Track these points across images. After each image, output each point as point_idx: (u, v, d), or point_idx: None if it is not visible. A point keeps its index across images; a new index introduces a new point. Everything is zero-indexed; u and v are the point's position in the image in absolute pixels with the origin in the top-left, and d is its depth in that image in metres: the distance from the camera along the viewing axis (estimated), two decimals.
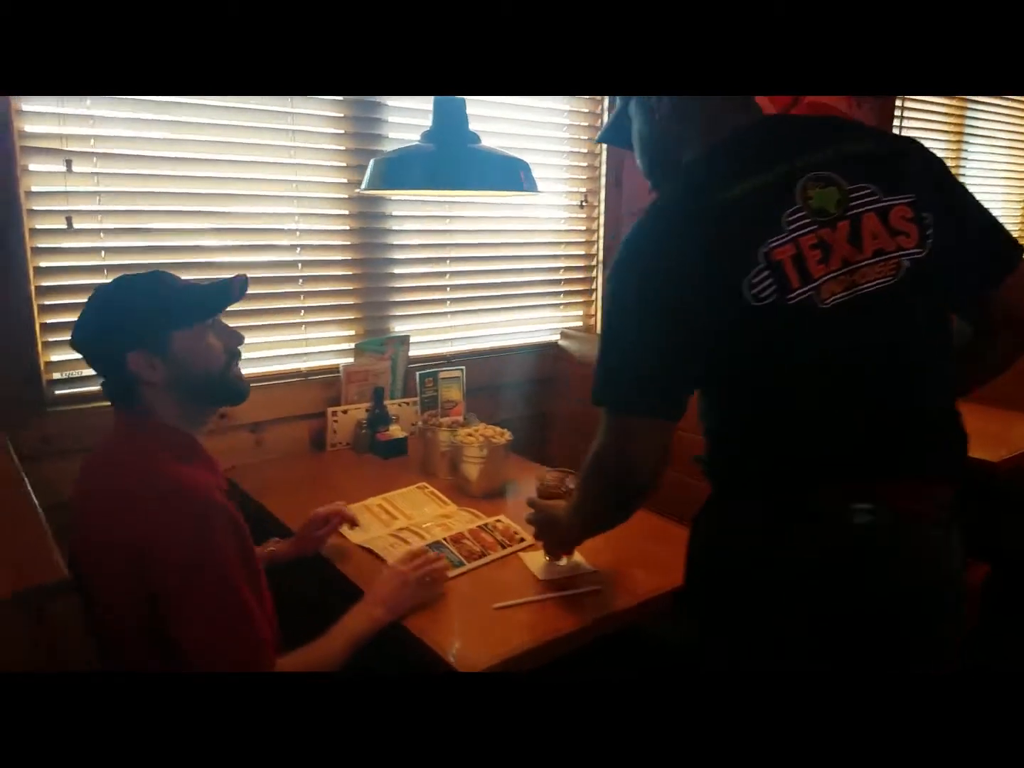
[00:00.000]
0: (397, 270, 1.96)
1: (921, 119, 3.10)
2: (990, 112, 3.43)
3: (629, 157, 2.32)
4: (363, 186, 1.30)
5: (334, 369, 1.87)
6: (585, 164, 2.25)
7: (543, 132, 2.16)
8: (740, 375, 0.88)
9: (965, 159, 3.46)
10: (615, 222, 2.30)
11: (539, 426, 2.25)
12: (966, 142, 3.43)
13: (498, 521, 1.35)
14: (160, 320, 0.97)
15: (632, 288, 0.87)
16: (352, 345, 1.91)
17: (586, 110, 2.22)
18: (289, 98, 1.69)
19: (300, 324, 1.81)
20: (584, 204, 2.25)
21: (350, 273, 1.88)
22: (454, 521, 1.37)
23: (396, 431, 1.84)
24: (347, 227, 1.85)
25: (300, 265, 1.79)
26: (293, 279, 1.78)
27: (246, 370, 1.67)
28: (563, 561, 1.22)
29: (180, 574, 0.87)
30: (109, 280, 1.04)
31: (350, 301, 1.89)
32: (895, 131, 3.02)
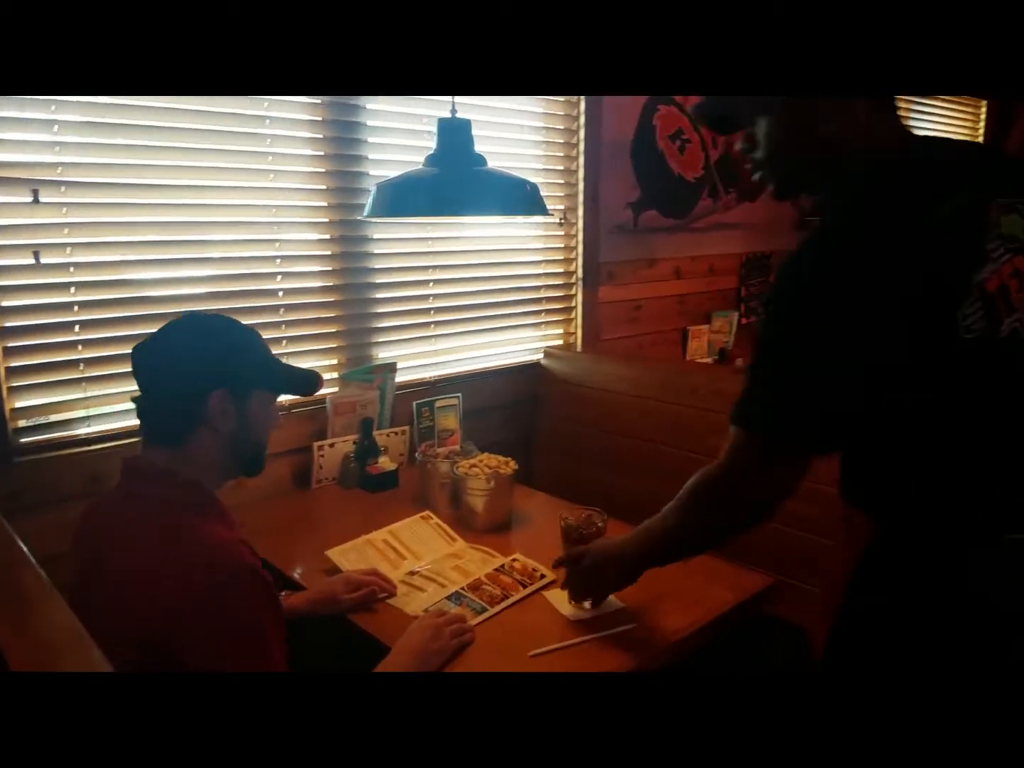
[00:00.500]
0: (380, 294, 1.89)
1: None
2: (931, 115, 3.58)
3: (606, 172, 2.36)
4: (366, 212, 1.23)
5: (318, 401, 1.78)
6: (562, 181, 2.23)
7: (519, 150, 2.13)
8: (940, 410, 0.80)
9: None
10: (594, 239, 2.28)
11: (523, 448, 2.21)
12: None
13: (515, 560, 1.29)
14: (255, 372, 0.97)
15: (817, 310, 0.79)
16: (335, 375, 1.83)
17: (561, 127, 2.19)
18: (266, 118, 1.61)
19: (281, 355, 1.72)
20: (563, 221, 2.22)
21: (332, 299, 1.80)
22: (467, 563, 1.31)
23: (386, 463, 1.77)
24: (328, 252, 1.78)
25: (281, 293, 1.70)
26: (273, 308, 1.70)
27: None
28: (588, 603, 1.17)
29: (215, 649, 0.80)
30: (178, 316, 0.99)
31: (333, 329, 1.81)
32: None
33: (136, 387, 0.96)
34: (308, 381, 1.04)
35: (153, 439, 0.94)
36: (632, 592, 1.21)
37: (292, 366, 1.06)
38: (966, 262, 0.79)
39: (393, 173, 1.82)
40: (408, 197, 1.19)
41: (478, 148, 1.26)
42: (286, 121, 1.65)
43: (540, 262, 2.23)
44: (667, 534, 0.99)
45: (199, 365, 0.92)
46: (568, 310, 2.32)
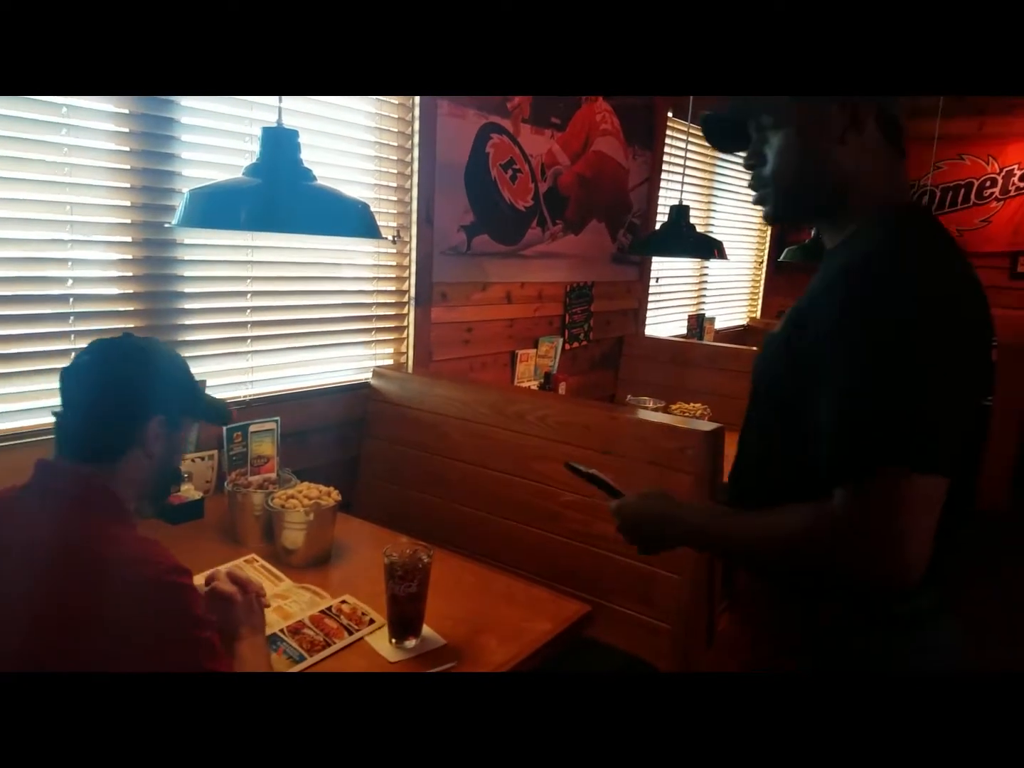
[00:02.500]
0: (189, 304, 1.72)
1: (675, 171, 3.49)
2: (734, 169, 3.98)
3: (440, 194, 2.35)
4: (175, 221, 1.11)
5: None
6: (395, 199, 2.18)
7: (350, 163, 2.06)
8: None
9: (714, 210, 3.96)
10: (427, 259, 2.26)
11: (348, 471, 2.12)
12: (714, 196, 3.94)
13: (343, 602, 1.22)
14: (187, 401, 0.98)
15: (929, 314, 0.73)
16: None
17: (395, 144, 2.15)
18: (63, 107, 1.41)
19: None
20: (397, 239, 2.18)
21: (132, 308, 1.61)
22: (291, 604, 1.21)
23: (190, 491, 1.61)
24: (128, 256, 1.59)
25: (72, 300, 1.49)
26: (62, 316, 1.48)
27: None
28: (411, 643, 1.13)
29: (163, 657, 0.79)
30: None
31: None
32: (661, 180, 3.36)
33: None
34: (224, 413, 1.09)
35: (78, 455, 0.90)
36: (453, 628, 1.19)
37: (210, 396, 1.09)
38: (991, 329, 0.81)
39: (210, 176, 1.70)
40: (226, 208, 1.09)
41: (304, 159, 1.19)
42: (87, 110, 1.46)
43: (372, 279, 2.16)
44: (746, 545, 0.85)
45: (142, 390, 0.92)
46: (400, 329, 2.27)
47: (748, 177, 0.93)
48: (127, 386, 0.91)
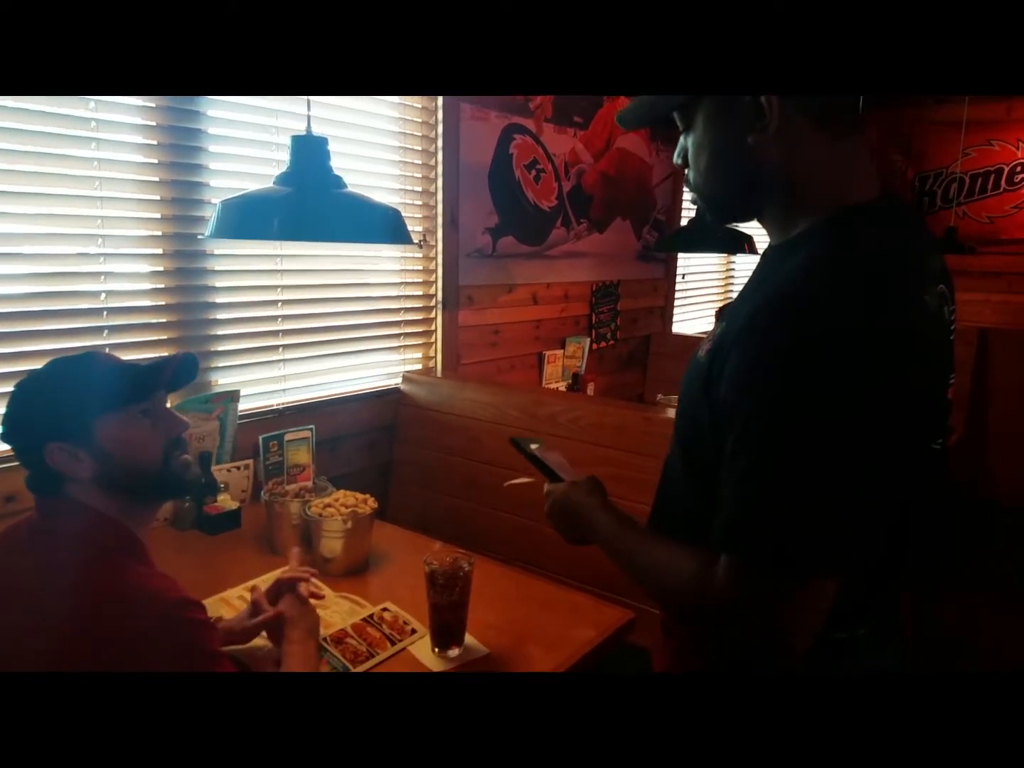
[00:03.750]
0: (221, 315, 1.73)
1: None
2: None
3: (465, 197, 2.34)
4: (208, 232, 1.11)
5: None
6: (420, 203, 2.18)
7: (375, 168, 2.05)
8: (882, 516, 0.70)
9: None
10: (453, 262, 2.25)
11: (380, 477, 2.12)
12: None
13: (384, 611, 1.21)
14: (82, 406, 0.83)
15: (839, 387, 0.61)
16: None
17: (419, 148, 2.15)
18: (91, 121, 1.43)
19: None
20: (423, 243, 2.17)
21: (164, 320, 1.62)
22: (332, 613, 1.20)
23: (227, 501, 1.61)
24: (160, 267, 1.60)
25: (105, 313, 1.50)
26: (96, 330, 1.50)
27: None
28: (454, 652, 1.12)
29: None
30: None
31: (165, 352, 1.63)
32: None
33: None
34: (157, 370, 0.88)
35: (39, 492, 0.86)
36: (496, 637, 1.17)
37: (140, 366, 0.90)
38: (946, 367, 0.73)
39: (237, 185, 1.70)
40: (258, 218, 1.09)
41: (334, 167, 1.19)
42: (118, 124, 1.47)
43: (399, 284, 2.16)
44: (642, 571, 0.81)
45: (22, 424, 0.84)
46: (428, 333, 2.27)
47: None
48: (15, 423, 0.85)
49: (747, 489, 0.65)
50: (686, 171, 0.80)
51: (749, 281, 0.81)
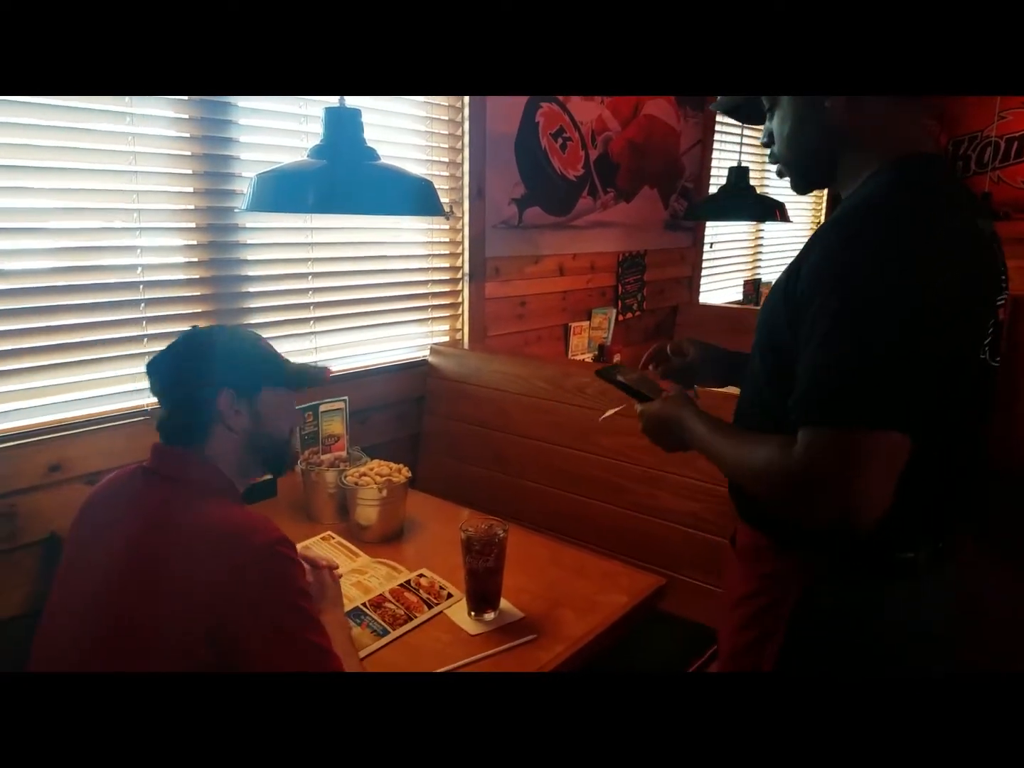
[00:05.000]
0: (253, 288, 1.75)
1: (728, 131, 3.38)
2: None
3: (491, 168, 2.33)
4: (244, 206, 1.12)
5: None
6: (447, 174, 2.17)
7: (402, 139, 2.05)
8: (943, 429, 0.80)
9: (767, 169, 3.84)
10: (480, 234, 2.24)
11: (410, 448, 2.15)
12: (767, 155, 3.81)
13: (421, 576, 1.24)
14: (259, 370, 1.02)
15: (905, 268, 0.73)
16: None
17: (446, 118, 2.13)
18: (126, 98, 1.44)
19: (143, 354, 1.56)
20: (450, 215, 2.17)
21: (199, 293, 1.65)
22: (370, 578, 1.23)
23: None
24: (194, 241, 1.62)
25: (142, 287, 1.53)
26: (134, 303, 1.53)
27: (73, 411, 1.43)
28: (490, 616, 1.15)
29: (269, 623, 0.82)
30: None
31: (200, 324, 1.66)
32: (714, 142, 3.27)
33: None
34: (308, 376, 1.09)
35: (172, 441, 0.98)
36: (529, 602, 1.20)
37: (297, 363, 1.11)
38: (995, 286, 0.81)
39: (268, 159, 1.71)
40: (294, 191, 1.10)
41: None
42: (150, 101, 1.48)
43: (426, 256, 2.17)
44: (736, 462, 0.88)
45: (204, 369, 0.97)
46: (455, 306, 2.28)
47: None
48: (187, 366, 0.98)
49: (819, 359, 0.75)
50: (771, 149, 0.95)
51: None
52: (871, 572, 0.86)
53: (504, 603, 1.17)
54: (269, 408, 1.02)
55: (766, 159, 3.76)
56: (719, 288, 3.62)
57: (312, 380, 1.10)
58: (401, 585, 1.20)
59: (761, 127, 0.99)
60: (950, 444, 0.83)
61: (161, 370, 0.99)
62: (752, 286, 3.71)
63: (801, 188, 0.95)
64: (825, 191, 4.46)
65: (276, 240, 1.79)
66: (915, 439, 0.73)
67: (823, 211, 4.46)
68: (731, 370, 1.14)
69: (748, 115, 1.04)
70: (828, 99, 0.84)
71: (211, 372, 0.98)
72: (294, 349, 1.86)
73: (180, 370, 0.98)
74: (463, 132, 2.16)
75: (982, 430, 0.88)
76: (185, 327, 1.63)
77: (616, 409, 1.20)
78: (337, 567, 1.11)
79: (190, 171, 1.58)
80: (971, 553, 1.01)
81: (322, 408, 1.58)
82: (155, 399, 1.01)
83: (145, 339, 1.55)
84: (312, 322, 1.89)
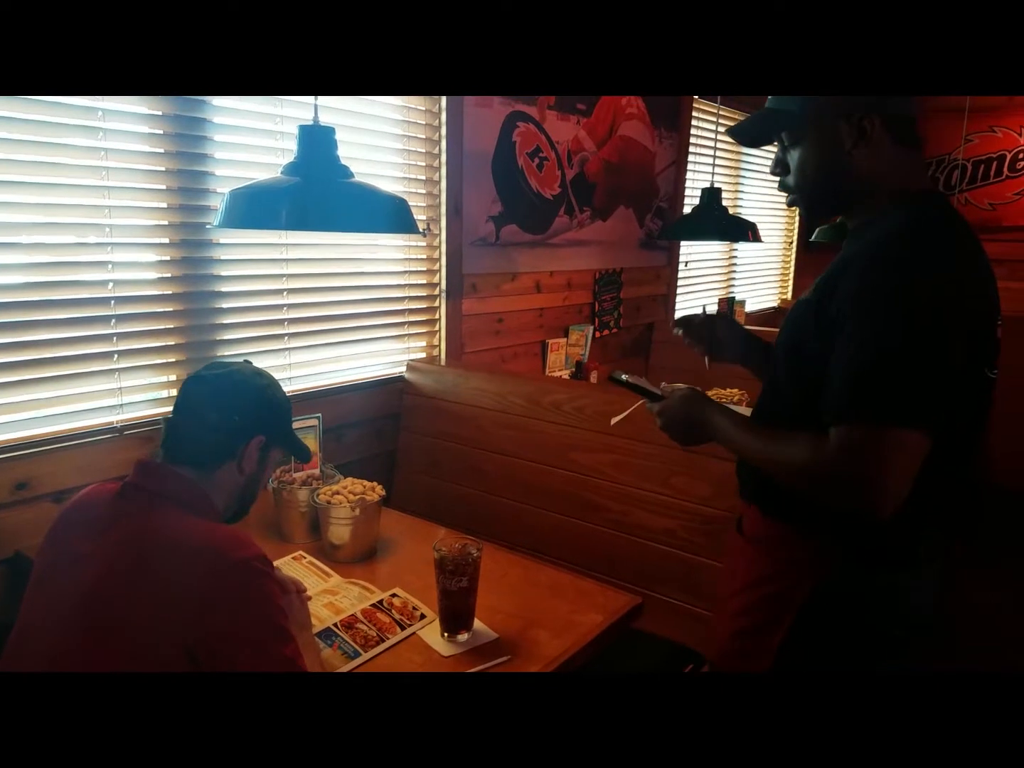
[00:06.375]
0: (227, 304, 1.74)
1: (701, 153, 3.44)
2: (761, 149, 3.91)
3: (468, 185, 2.34)
4: (217, 222, 1.11)
5: (154, 421, 1.60)
6: (424, 191, 2.18)
7: (379, 156, 2.05)
8: (957, 434, 0.91)
9: (742, 190, 3.90)
10: (456, 251, 2.25)
11: (386, 465, 2.13)
12: (741, 176, 3.88)
13: (394, 596, 1.22)
14: (285, 429, 1.08)
15: (932, 290, 0.84)
16: (173, 392, 1.66)
17: (423, 136, 2.14)
18: (99, 111, 1.43)
19: (113, 371, 1.53)
20: (427, 232, 2.17)
21: (171, 309, 1.63)
22: (342, 599, 1.21)
23: None
24: (167, 257, 1.61)
25: (113, 303, 1.51)
26: (105, 319, 1.50)
27: (41, 428, 1.40)
28: (463, 637, 1.13)
29: (244, 637, 0.83)
30: None
31: (172, 341, 1.64)
32: (688, 163, 3.31)
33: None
34: (307, 451, 1.14)
35: (182, 459, 0.97)
36: (504, 622, 1.19)
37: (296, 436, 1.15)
38: (995, 307, 0.92)
39: (243, 175, 1.70)
40: (267, 208, 1.09)
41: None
42: (123, 115, 1.47)
43: (403, 272, 2.16)
44: (762, 451, 0.96)
45: (253, 410, 1.00)
46: (432, 322, 2.27)
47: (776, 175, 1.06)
48: (242, 403, 1.00)
49: (852, 366, 0.84)
50: (782, 178, 1.03)
51: (839, 255, 0.98)
52: (882, 562, 0.95)
53: (478, 623, 1.16)
54: (269, 464, 1.07)
55: (739, 181, 3.83)
56: (694, 306, 3.66)
57: (307, 455, 1.16)
58: (373, 605, 1.18)
59: (752, 148, 1.07)
60: (954, 446, 0.91)
61: (206, 390, 1.00)
62: (726, 304, 3.76)
63: (814, 220, 1.11)
64: (798, 212, 4.54)
65: (250, 256, 1.77)
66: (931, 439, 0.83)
67: (795, 232, 4.55)
68: (748, 350, 1.25)
69: (753, 139, 1.09)
70: (856, 149, 0.94)
71: (256, 413, 1.01)
72: (268, 366, 1.84)
73: (229, 397, 1.00)
74: (440, 150, 2.17)
75: (981, 436, 0.97)
76: (157, 344, 1.62)
77: (625, 413, 1.26)
78: (305, 590, 1.10)
79: (163, 186, 1.57)
80: (960, 554, 1.10)
81: (294, 425, 1.56)
82: (173, 412, 1.01)
83: (116, 355, 1.53)
84: (287, 338, 1.88)
